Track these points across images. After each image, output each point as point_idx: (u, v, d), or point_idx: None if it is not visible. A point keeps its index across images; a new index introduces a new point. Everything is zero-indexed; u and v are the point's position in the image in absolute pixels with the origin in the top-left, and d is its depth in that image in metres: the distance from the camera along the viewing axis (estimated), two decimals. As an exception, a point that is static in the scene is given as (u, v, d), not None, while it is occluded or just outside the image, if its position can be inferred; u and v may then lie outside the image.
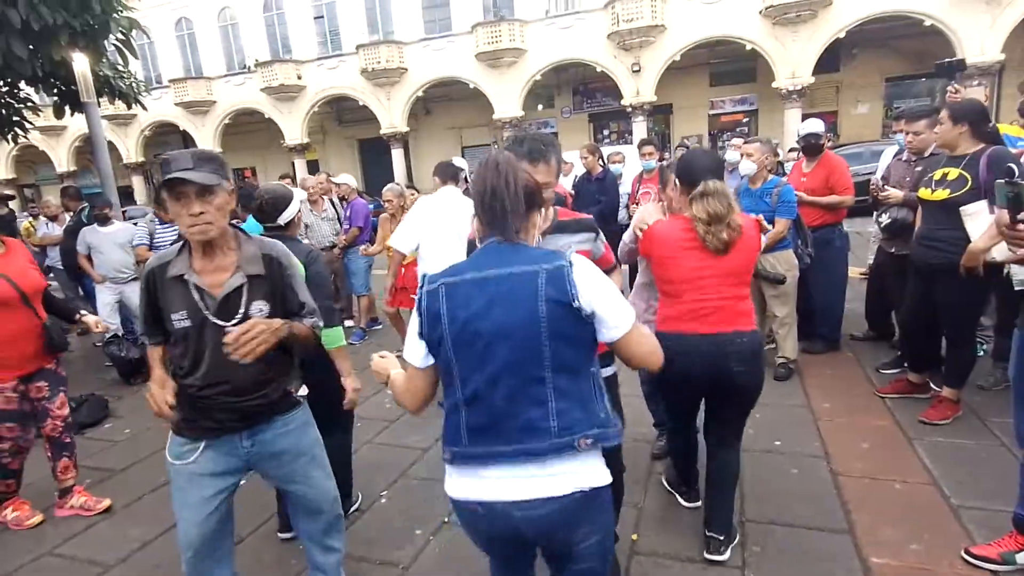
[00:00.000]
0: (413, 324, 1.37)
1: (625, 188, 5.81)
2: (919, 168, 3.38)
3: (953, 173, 2.85)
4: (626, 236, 2.62)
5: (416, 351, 1.37)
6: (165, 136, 25.91)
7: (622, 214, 5.73)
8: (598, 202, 5.59)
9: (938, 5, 15.78)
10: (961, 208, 2.78)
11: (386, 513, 2.88)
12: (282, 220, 2.63)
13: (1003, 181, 1.84)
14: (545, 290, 1.25)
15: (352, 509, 2.89)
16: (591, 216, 2.07)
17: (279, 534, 2.74)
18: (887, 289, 4.01)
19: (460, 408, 1.32)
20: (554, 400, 1.27)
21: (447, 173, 3.90)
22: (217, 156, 1.77)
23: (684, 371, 2.15)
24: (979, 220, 2.72)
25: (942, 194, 2.87)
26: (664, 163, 4.01)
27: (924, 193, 2.97)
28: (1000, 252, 2.54)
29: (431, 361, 1.37)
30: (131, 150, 25.57)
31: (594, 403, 1.32)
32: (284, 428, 1.91)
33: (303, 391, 2.03)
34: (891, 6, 16.22)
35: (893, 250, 3.73)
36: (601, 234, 2.02)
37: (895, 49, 18.27)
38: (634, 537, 2.47)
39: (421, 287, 1.36)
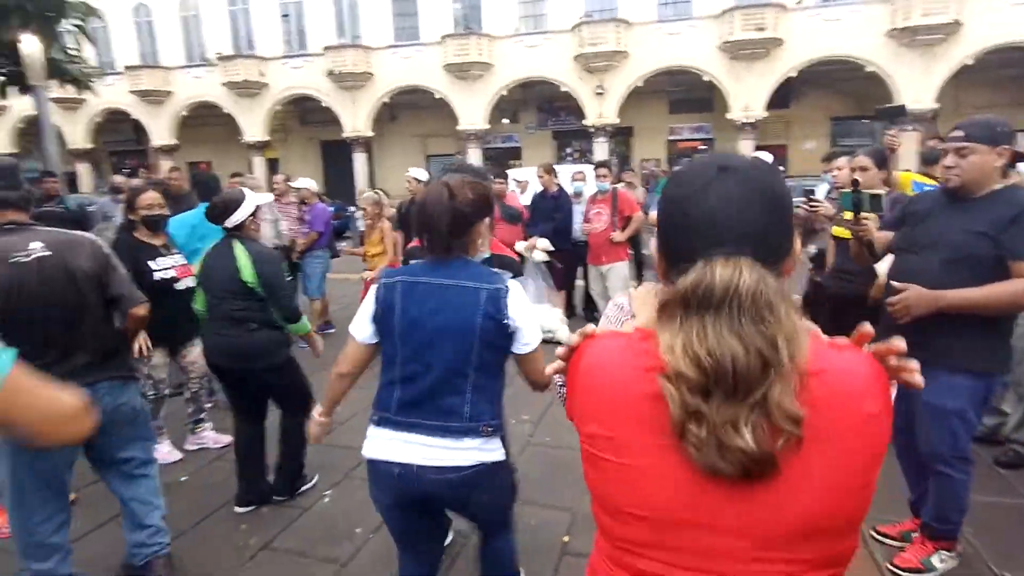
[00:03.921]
0: (367, 306, 1.63)
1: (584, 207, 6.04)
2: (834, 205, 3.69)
3: None
4: (551, 368, 1.09)
5: (364, 329, 1.65)
6: (116, 124, 24.95)
7: (576, 230, 5.96)
8: (552, 219, 5.79)
9: (878, 53, 16.97)
10: None
11: (328, 512, 2.94)
12: (229, 223, 2.78)
13: (849, 189, 2.40)
14: (484, 306, 1.55)
15: (307, 486, 3.13)
16: (517, 259, 2.23)
17: (236, 508, 2.96)
18: (814, 318, 4.32)
19: (396, 384, 1.60)
20: (470, 392, 1.58)
21: None
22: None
23: None
24: (887, 258, 3.01)
25: (887, 235, 3.13)
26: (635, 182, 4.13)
27: (837, 230, 3.26)
28: (884, 267, 2.69)
29: (375, 340, 1.65)
30: (78, 135, 24.51)
31: (498, 400, 1.67)
32: None
33: None
34: (837, 51, 17.33)
35: (818, 279, 4.05)
36: (519, 279, 2.13)
37: (840, 91, 19.44)
38: (565, 539, 2.62)
39: (380, 280, 1.62)
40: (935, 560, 2.33)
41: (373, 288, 1.64)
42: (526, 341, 1.61)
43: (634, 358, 0.79)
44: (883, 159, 3.39)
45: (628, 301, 1.14)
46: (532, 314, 1.62)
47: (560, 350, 0.91)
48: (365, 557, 2.57)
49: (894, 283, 2.15)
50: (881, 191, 2.52)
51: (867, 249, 2.48)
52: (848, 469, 0.72)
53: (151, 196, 3.29)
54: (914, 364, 0.76)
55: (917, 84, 16.76)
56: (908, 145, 4.91)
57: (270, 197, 3.75)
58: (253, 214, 2.85)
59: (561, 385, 1.05)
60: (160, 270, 3.24)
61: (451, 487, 1.58)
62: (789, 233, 0.80)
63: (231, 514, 2.92)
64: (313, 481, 3.14)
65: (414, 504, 1.64)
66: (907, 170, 4.08)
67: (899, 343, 0.76)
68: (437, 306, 1.55)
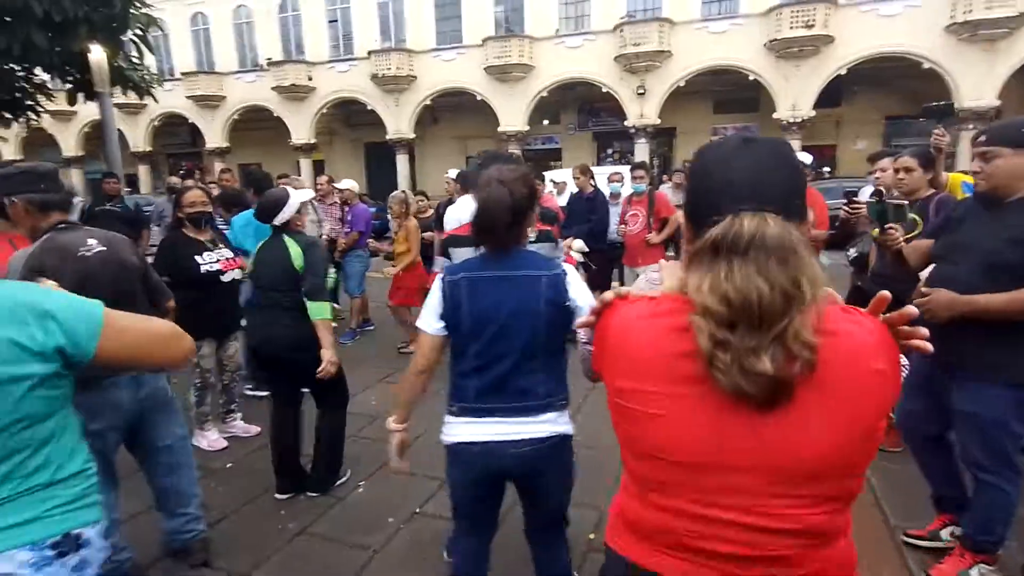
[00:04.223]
0: (433, 302, 1.71)
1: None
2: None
3: None
4: (580, 322, 1.17)
5: (433, 323, 1.72)
6: (174, 128, 26.16)
7: (612, 231, 5.96)
8: (588, 220, 5.80)
9: (937, 49, 16.20)
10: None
11: (362, 502, 3.05)
12: (277, 221, 2.98)
13: (874, 200, 2.38)
14: (545, 292, 1.66)
15: (340, 482, 3.19)
16: (550, 228, 2.32)
17: (276, 495, 3.08)
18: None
19: (471, 374, 1.70)
20: (542, 372, 1.70)
21: (470, 182, 4.33)
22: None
23: None
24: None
25: (927, 243, 3.04)
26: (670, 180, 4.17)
27: (878, 234, 3.16)
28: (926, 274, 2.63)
29: (444, 333, 1.72)
30: (139, 139, 25.80)
31: (565, 377, 1.78)
32: None
33: None
34: (891, 47, 16.64)
35: (860, 283, 3.93)
36: (561, 242, 2.30)
37: (895, 88, 18.68)
38: (591, 536, 2.65)
39: (440, 278, 1.70)
40: (974, 573, 2.25)
41: (437, 284, 1.71)
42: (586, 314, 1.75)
43: (663, 319, 0.89)
44: (929, 160, 3.27)
45: (659, 274, 1.22)
46: (586, 289, 1.72)
47: (594, 304, 1.02)
48: (397, 545, 2.66)
49: (922, 288, 2.14)
50: (904, 201, 2.49)
51: (895, 258, 2.44)
52: (854, 419, 0.82)
53: (195, 195, 3.51)
54: (923, 331, 0.84)
55: (978, 81, 15.95)
56: (966, 145, 4.71)
57: (312, 193, 3.96)
58: (298, 210, 3.04)
59: (585, 342, 1.22)
60: (206, 264, 3.44)
61: (529, 460, 1.70)
62: (803, 199, 0.89)
63: (271, 501, 3.06)
64: (346, 476, 3.24)
65: (491, 481, 1.76)
66: (963, 171, 3.93)
67: (910, 309, 0.84)
68: (503, 297, 1.65)
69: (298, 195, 3.07)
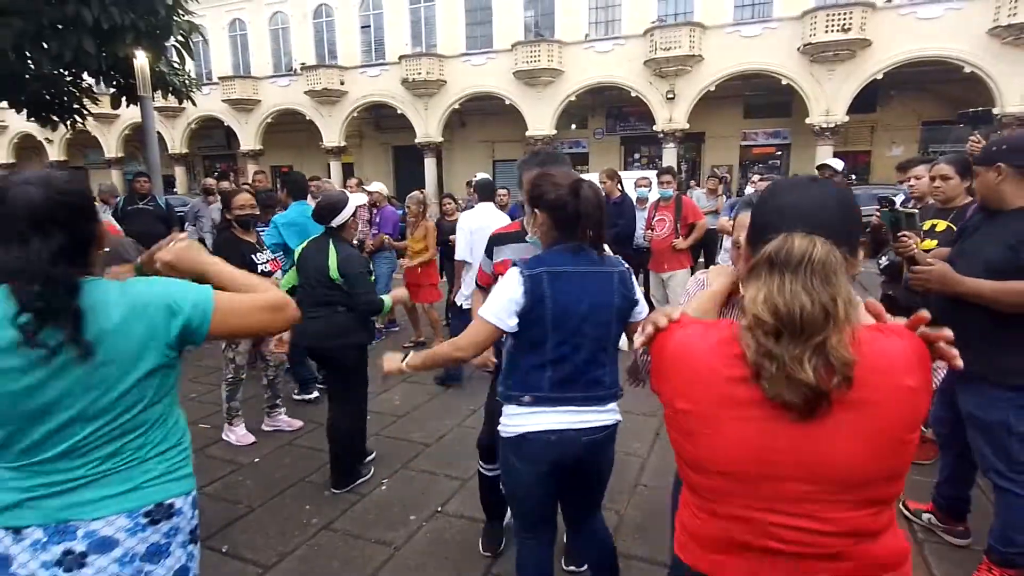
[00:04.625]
0: (504, 293, 1.70)
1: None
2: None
3: (941, 225, 2.98)
4: (638, 340, 1.14)
5: (508, 318, 1.70)
6: (209, 130, 26.92)
7: (639, 236, 5.95)
8: (615, 225, 5.79)
9: (978, 52, 15.69)
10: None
11: (385, 499, 3.10)
12: (335, 223, 3.11)
13: (886, 208, 2.56)
14: (618, 287, 1.76)
15: (363, 479, 3.26)
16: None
17: (333, 490, 3.18)
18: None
19: (546, 365, 1.74)
20: (608, 364, 1.80)
21: (486, 192, 4.65)
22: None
23: None
24: None
25: (930, 244, 3.00)
26: (740, 197, 4.13)
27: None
28: None
29: (515, 328, 1.71)
30: (176, 141, 26.61)
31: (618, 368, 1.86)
32: None
33: None
34: (931, 51, 16.18)
35: (891, 292, 3.85)
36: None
37: (933, 93, 18.18)
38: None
39: (519, 272, 1.70)
40: None
41: (514, 280, 1.70)
42: (640, 310, 1.84)
43: (719, 347, 0.98)
44: (967, 167, 3.19)
45: (706, 277, 1.35)
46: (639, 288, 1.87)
47: (648, 328, 1.08)
48: (418, 543, 2.70)
49: (926, 257, 2.31)
50: (915, 210, 2.66)
51: (909, 264, 2.54)
52: (889, 431, 0.91)
53: (244, 198, 3.65)
54: (955, 350, 0.91)
55: (1022, 85, 15.40)
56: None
57: (365, 199, 4.14)
58: (353, 214, 3.17)
59: (643, 354, 1.28)
60: (260, 263, 3.61)
61: (596, 447, 1.81)
62: (855, 236, 0.99)
63: (297, 495, 3.14)
64: (368, 475, 3.28)
65: (560, 471, 1.81)
66: None
67: (947, 331, 0.91)
68: (583, 291, 1.71)
69: (354, 199, 3.24)
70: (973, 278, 2.10)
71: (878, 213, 3.45)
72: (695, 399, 0.99)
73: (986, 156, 2.17)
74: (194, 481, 1.32)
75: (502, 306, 1.70)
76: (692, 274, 5.80)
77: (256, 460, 3.58)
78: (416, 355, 1.88)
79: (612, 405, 1.83)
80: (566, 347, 1.71)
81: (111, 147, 27.90)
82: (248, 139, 25.20)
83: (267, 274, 3.59)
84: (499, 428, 1.84)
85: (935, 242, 3.00)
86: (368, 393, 3.38)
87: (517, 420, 1.78)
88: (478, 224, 4.07)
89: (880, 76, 17.02)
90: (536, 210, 1.79)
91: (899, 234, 2.46)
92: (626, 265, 1.84)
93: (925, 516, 2.74)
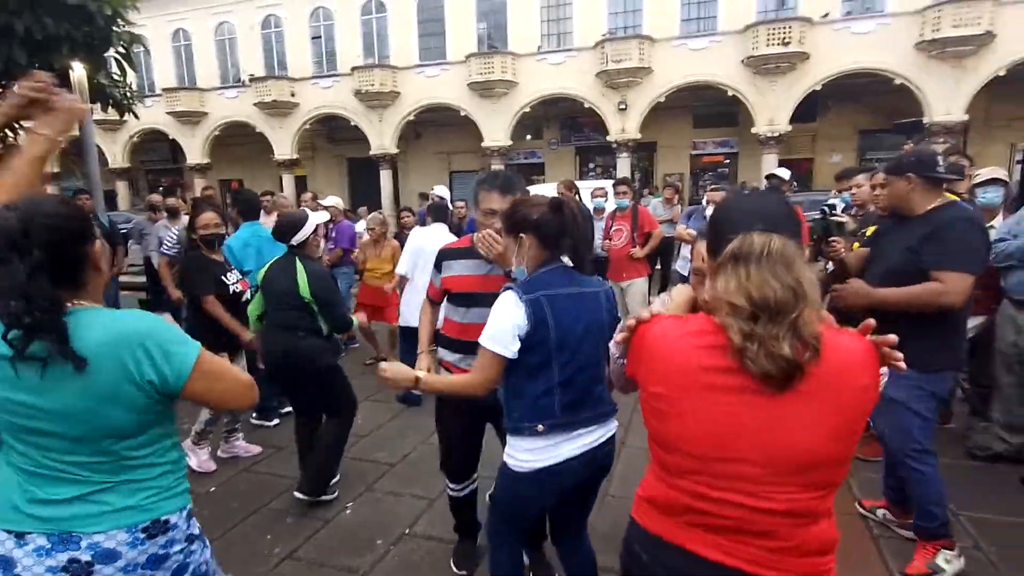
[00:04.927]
0: (505, 319, 1.67)
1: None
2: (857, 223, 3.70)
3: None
4: (613, 345, 1.43)
5: (511, 344, 1.68)
6: (153, 144, 25.90)
7: (596, 246, 6.00)
8: (573, 236, 5.84)
9: (907, 65, 16.68)
10: None
11: (350, 523, 3.02)
12: (295, 241, 3.06)
13: (819, 216, 2.89)
14: (606, 305, 1.83)
15: (328, 498, 3.18)
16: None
17: (295, 493, 3.15)
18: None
19: (554, 390, 1.73)
20: (603, 380, 1.82)
21: (439, 214, 4.74)
22: None
23: None
24: None
25: (864, 251, 3.16)
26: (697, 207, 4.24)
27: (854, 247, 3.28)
28: None
29: (517, 355, 1.69)
30: (118, 155, 25.50)
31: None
32: None
33: None
34: (864, 64, 17.10)
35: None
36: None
37: (868, 104, 19.15)
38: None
39: (517, 297, 1.67)
40: (940, 561, 2.37)
41: (513, 305, 1.67)
42: (621, 328, 1.88)
43: (694, 337, 1.10)
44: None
45: (669, 296, 1.48)
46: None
47: (629, 322, 1.22)
48: (385, 568, 2.63)
49: (853, 260, 2.64)
50: (845, 219, 2.99)
51: (839, 267, 2.77)
52: (842, 423, 1.04)
53: (209, 216, 3.50)
54: (899, 354, 1.05)
55: (947, 96, 16.42)
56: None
57: (327, 216, 4.05)
58: (314, 231, 3.11)
59: (618, 357, 1.36)
60: (232, 284, 3.49)
61: (608, 457, 1.88)
62: (799, 231, 1.14)
63: (256, 524, 3.02)
64: (334, 494, 3.22)
65: (572, 489, 1.84)
66: None
67: (892, 337, 1.05)
68: (578, 312, 1.74)
69: (315, 217, 3.18)
70: (881, 288, 2.32)
71: (811, 223, 3.65)
72: (668, 383, 1.12)
73: (897, 167, 2.36)
74: (189, 497, 1.39)
75: (505, 332, 1.68)
76: (648, 282, 5.94)
77: (212, 489, 3.43)
78: (435, 377, 1.92)
79: (613, 419, 1.89)
80: (570, 368, 1.73)
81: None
82: (195, 153, 24.38)
83: (238, 294, 3.47)
84: (508, 463, 1.80)
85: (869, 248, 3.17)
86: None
87: (534, 454, 1.74)
88: (431, 246, 4.00)
89: (819, 87, 17.86)
90: (521, 235, 1.76)
91: (830, 239, 2.74)
92: (609, 286, 1.91)
93: (880, 512, 2.85)
